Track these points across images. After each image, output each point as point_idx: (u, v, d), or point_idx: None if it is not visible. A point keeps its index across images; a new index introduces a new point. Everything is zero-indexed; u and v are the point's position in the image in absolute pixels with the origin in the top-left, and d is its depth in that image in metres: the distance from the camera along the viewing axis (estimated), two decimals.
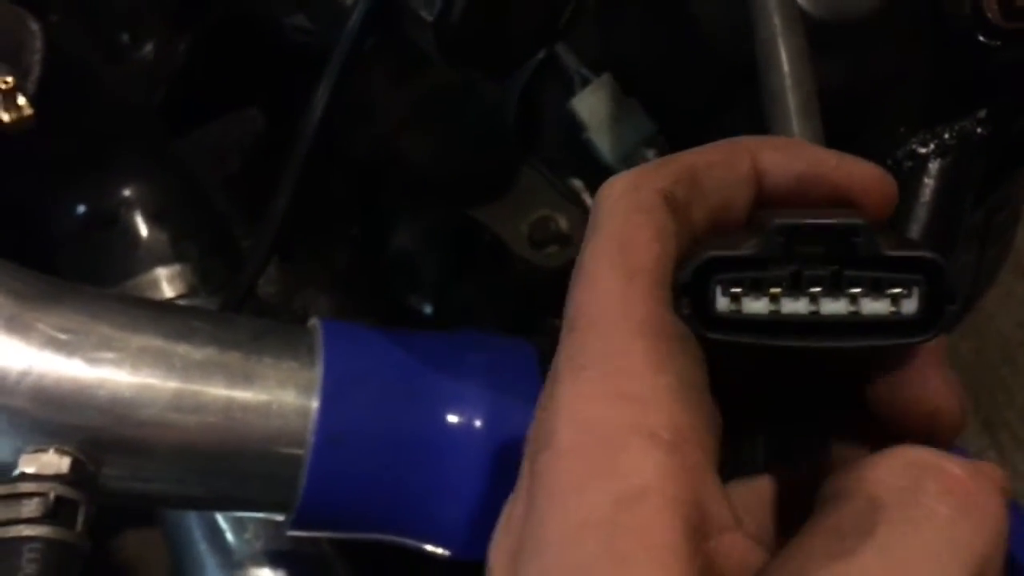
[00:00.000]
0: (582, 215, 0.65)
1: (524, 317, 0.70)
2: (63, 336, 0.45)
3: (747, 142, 0.31)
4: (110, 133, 0.70)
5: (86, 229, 0.68)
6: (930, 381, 0.29)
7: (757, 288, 0.28)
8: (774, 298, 0.28)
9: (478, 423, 0.51)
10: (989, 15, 0.44)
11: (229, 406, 0.47)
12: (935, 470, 0.26)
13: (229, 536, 0.59)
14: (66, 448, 0.44)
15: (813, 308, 0.28)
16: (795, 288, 0.28)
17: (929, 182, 0.48)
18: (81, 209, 0.68)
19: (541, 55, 0.61)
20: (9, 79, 0.56)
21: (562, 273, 0.67)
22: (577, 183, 0.65)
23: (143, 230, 0.68)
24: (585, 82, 0.62)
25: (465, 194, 0.65)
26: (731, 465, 0.30)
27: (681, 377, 0.27)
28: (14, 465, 0.44)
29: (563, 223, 0.65)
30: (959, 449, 0.31)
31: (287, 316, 0.80)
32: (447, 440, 0.51)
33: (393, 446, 0.50)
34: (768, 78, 0.39)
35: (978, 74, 0.47)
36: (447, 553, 0.53)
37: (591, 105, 0.61)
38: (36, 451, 0.44)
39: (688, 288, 0.29)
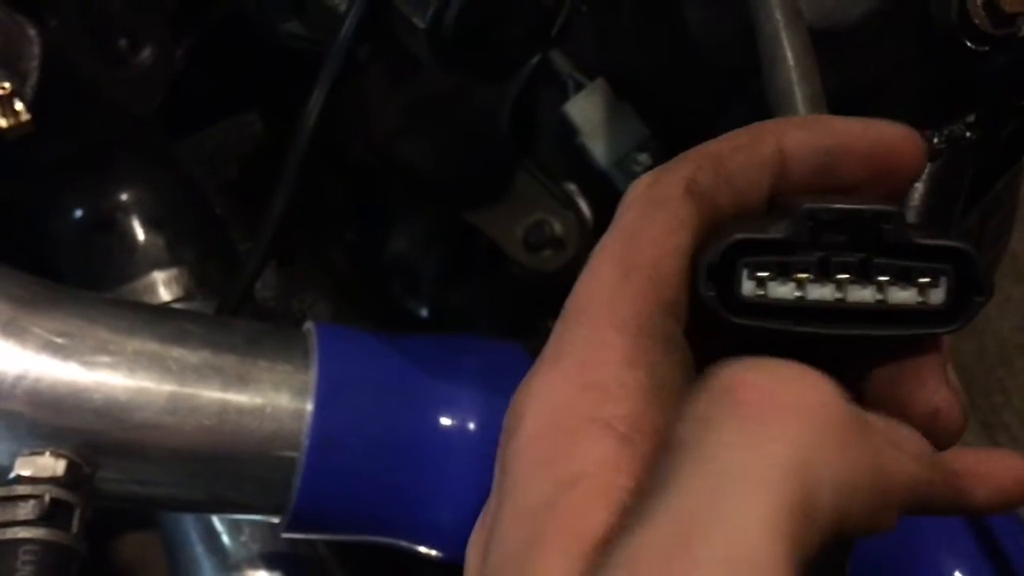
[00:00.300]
0: (577, 219, 0.66)
1: (520, 320, 0.70)
2: (59, 340, 0.46)
3: (770, 124, 0.30)
4: (108, 138, 0.71)
5: (84, 233, 0.68)
6: (930, 381, 0.29)
7: (784, 273, 0.28)
8: (800, 283, 0.28)
9: (472, 426, 0.52)
10: (976, 21, 0.44)
11: (224, 409, 0.47)
12: (728, 387, 0.24)
13: (225, 538, 0.60)
14: (62, 451, 0.44)
15: (839, 295, 0.28)
16: (822, 274, 0.28)
17: (919, 186, 0.49)
18: (79, 213, 0.68)
19: (535, 60, 0.62)
20: (7, 85, 0.57)
21: (557, 276, 0.67)
22: (572, 187, 0.66)
23: (140, 234, 0.68)
24: (579, 87, 0.62)
25: (461, 198, 0.66)
26: None
27: (655, 375, 0.27)
28: (10, 468, 0.44)
29: (558, 227, 0.65)
30: None
31: (285, 320, 0.80)
32: (441, 443, 0.51)
33: (387, 449, 0.51)
34: (773, 74, 0.38)
35: (967, 79, 0.47)
36: (441, 555, 0.53)
37: (584, 110, 0.61)
38: (32, 454, 0.44)
39: (714, 270, 0.28)
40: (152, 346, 0.47)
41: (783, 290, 0.28)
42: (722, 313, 0.28)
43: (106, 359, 0.46)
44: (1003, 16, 0.43)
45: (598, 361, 0.27)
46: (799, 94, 0.40)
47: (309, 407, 0.49)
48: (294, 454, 0.48)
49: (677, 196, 0.28)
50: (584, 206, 0.66)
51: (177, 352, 0.47)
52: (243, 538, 0.59)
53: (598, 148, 0.62)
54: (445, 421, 0.51)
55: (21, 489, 0.43)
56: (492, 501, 0.28)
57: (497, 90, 0.63)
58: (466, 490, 0.51)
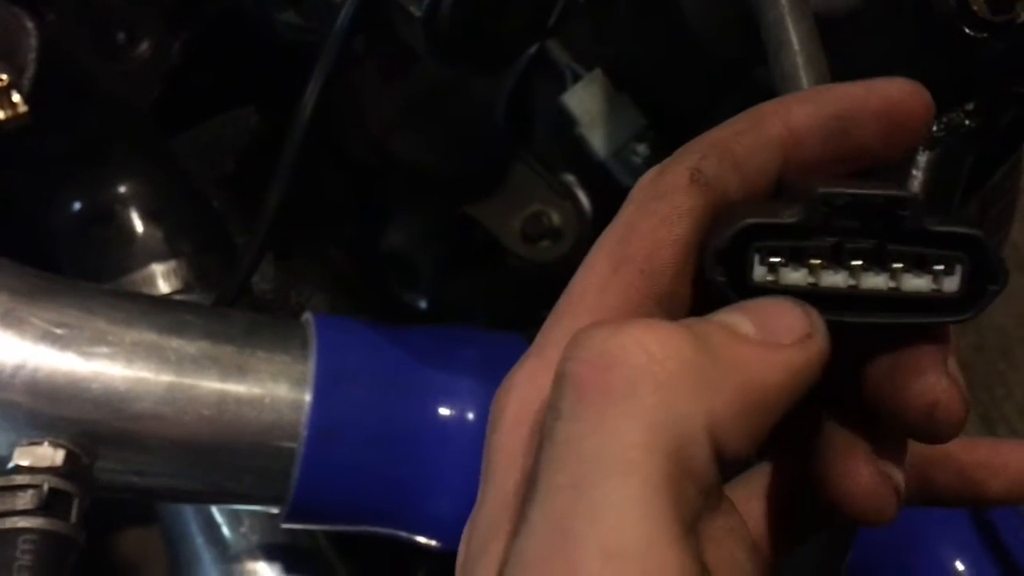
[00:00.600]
0: (574, 210, 0.66)
1: (518, 312, 0.70)
2: (58, 330, 0.46)
3: (773, 104, 0.30)
4: (105, 131, 0.71)
5: (82, 225, 0.68)
6: (930, 372, 0.28)
7: (797, 258, 0.27)
8: (813, 269, 0.27)
9: (470, 416, 0.52)
10: (975, 8, 0.44)
11: (222, 399, 0.47)
12: (563, 373, 0.24)
13: (225, 530, 0.60)
14: (60, 441, 0.44)
15: (852, 282, 0.27)
16: (835, 260, 0.27)
17: (918, 174, 0.48)
18: (77, 206, 0.68)
19: (531, 51, 0.61)
20: (4, 77, 0.57)
21: (555, 267, 0.67)
22: (569, 178, 0.66)
23: (138, 226, 0.68)
24: (576, 78, 0.62)
25: (458, 191, 0.66)
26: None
27: None
28: (8, 458, 0.44)
29: (556, 218, 0.65)
30: None
31: (283, 313, 0.80)
32: (440, 433, 0.51)
33: (385, 439, 0.51)
34: (779, 59, 0.38)
35: (965, 67, 0.47)
36: (439, 545, 0.53)
37: (582, 100, 0.61)
38: (30, 444, 0.44)
39: (724, 255, 0.27)
40: (150, 336, 0.47)
41: (795, 276, 0.27)
42: (732, 298, 0.27)
43: (104, 349, 0.46)
44: (1002, 2, 0.43)
45: None
46: (805, 78, 0.39)
47: (308, 398, 0.49)
48: (293, 445, 0.48)
49: (681, 187, 0.28)
50: (582, 197, 0.66)
51: (175, 343, 0.47)
52: (243, 529, 0.59)
53: (596, 139, 0.61)
54: (444, 411, 0.51)
55: (20, 479, 0.43)
56: (479, 494, 0.28)
57: (493, 82, 0.63)
58: (464, 480, 0.51)
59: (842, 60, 0.48)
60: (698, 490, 0.23)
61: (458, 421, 0.52)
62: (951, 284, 0.27)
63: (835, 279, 0.27)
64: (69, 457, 0.44)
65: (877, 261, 0.27)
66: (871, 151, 0.29)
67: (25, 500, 0.42)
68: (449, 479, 0.51)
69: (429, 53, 0.46)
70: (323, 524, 0.54)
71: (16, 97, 0.57)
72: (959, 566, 0.57)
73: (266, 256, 0.71)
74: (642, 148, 0.61)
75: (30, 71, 0.59)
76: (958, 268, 0.27)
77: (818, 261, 0.27)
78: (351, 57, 0.51)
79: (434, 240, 0.74)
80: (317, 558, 0.61)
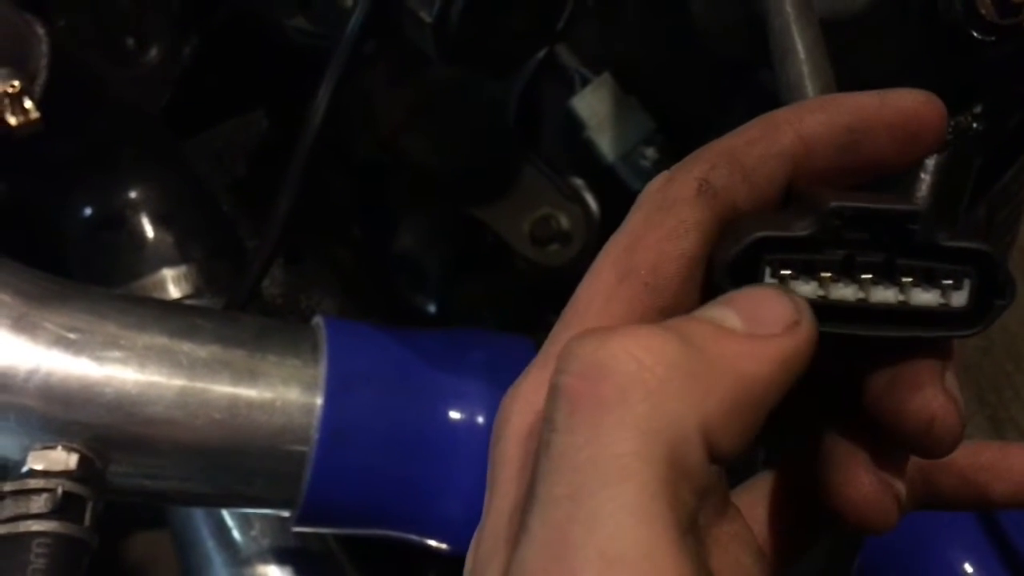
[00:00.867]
0: (583, 213, 0.66)
1: (526, 315, 0.70)
2: (70, 335, 0.46)
3: (784, 113, 0.29)
4: (116, 136, 0.71)
5: (93, 231, 0.68)
6: (927, 387, 0.28)
7: (807, 271, 0.27)
8: (823, 282, 0.27)
9: (480, 419, 0.52)
10: (983, 11, 0.44)
11: (234, 403, 0.48)
12: (555, 385, 0.24)
13: (236, 533, 0.60)
14: (74, 445, 0.45)
15: (862, 295, 0.27)
16: (845, 273, 0.27)
17: (926, 177, 0.48)
18: (88, 211, 0.68)
19: (541, 55, 0.62)
20: (16, 83, 0.57)
21: (563, 271, 0.67)
22: (578, 181, 0.66)
23: (149, 231, 0.68)
24: (585, 81, 0.62)
25: (467, 194, 0.66)
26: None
27: None
28: (22, 462, 0.45)
29: (564, 221, 0.65)
30: None
31: (293, 317, 0.80)
32: (450, 436, 0.52)
33: (396, 442, 0.51)
34: (784, 67, 0.38)
35: (973, 70, 0.47)
36: (449, 549, 0.54)
37: (591, 104, 0.62)
38: (44, 448, 0.44)
39: (735, 267, 0.27)
40: (162, 341, 0.48)
41: (806, 289, 0.27)
42: None
43: (117, 354, 0.46)
44: (1010, 6, 0.43)
45: None
46: (810, 86, 0.39)
47: (319, 401, 0.49)
48: (304, 448, 0.49)
49: (688, 198, 0.28)
50: (591, 200, 0.66)
51: (187, 347, 0.48)
52: (254, 533, 0.60)
53: (605, 142, 0.62)
54: (453, 414, 0.52)
55: (34, 483, 0.43)
56: (484, 503, 0.28)
57: (503, 85, 0.63)
58: (474, 483, 0.51)
59: (849, 64, 0.48)
60: (694, 492, 0.23)
61: (468, 424, 0.52)
62: (959, 299, 0.28)
63: (845, 292, 0.27)
64: (82, 461, 0.44)
65: (887, 275, 0.27)
66: (883, 162, 0.29)
67: (39, 504, 0.43)
68: (459, 482, 0.51)
69: (439, 57, 0.46)
70: (334, 527, 0.54)
71: (28, 103, 0.57)
72: (967, 568, 0.57)
73: (276, 261, 0.71)
74: (651, 152, 0.61)
75: (41, 77, 0.60)
76: (966, 283, 0.27)
77: (828, 274, 0.27)
78: (361, 61, 0.51)
79: (442, 243, 0.74)
80: (327, 561, 0.61)
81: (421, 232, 0.74)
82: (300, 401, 0.49)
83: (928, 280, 0.27)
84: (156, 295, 0.66)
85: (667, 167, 0.30)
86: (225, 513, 0.60)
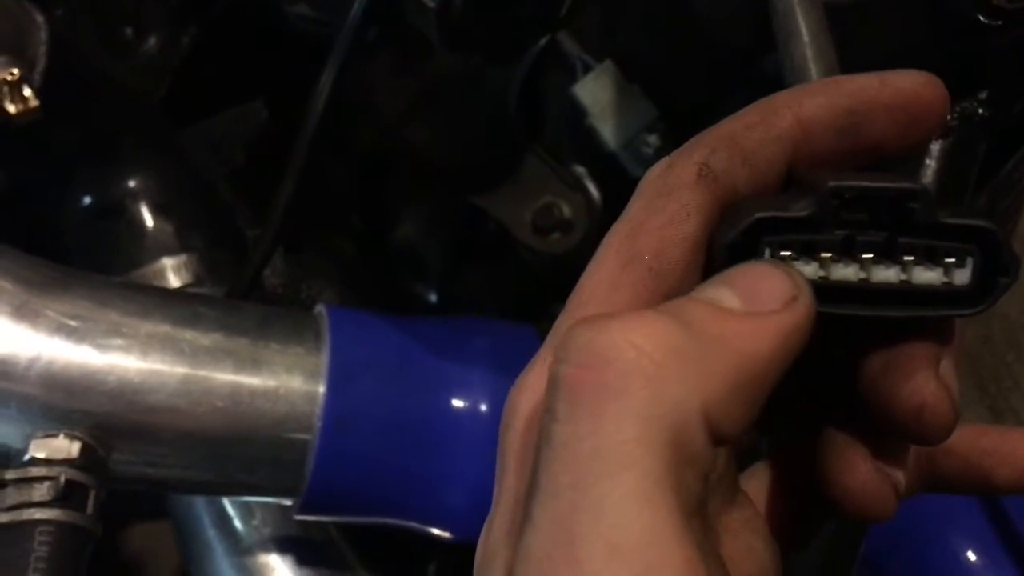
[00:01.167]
0: (585, 202, 0.65)
1: (528, 303, 0.70)
2: (72, 323, 0.46)
3: (784, 96, 0.29)
4: (115, 125, 0.71)
5: (93, 219, 0.68)
6: (919, 374, 0.27)
7: (807, 252, 0.27)
8: (824, 263, 0.27)
9: (483, 407, 0.52)
10: None
11: (237, 391, 0.48)
12: (554, 376, 0.24)
13: (237, 522, 0.60)
14: (76, 433, 0.45)
15: (863, 275, 0.27)
16: (846, 253, 0.27)
17: (931, 163, 0.48)
18: (88, 200, 0.68)
19: (543, 42, 0.61)
20: (15, 71, 0.57)
21: (565, 259, 0.67)
22: (580, 169, 0.65)
23: (149, 221, 0.68)
24: (587, 69, 0.62)
25: (468, 182, 0.66)
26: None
27: None
28: (24, 450, 0.44)
29: (566, 210, 0.65)
30: None
31: (294, 307, 0.80)
32: (452, 424, 0.52)
33: (399, 430, 0.51)
34: (788, 50, 0.38)
35: (979, 55, 0.47)
36: (451, 537, 0.53)
37: (593, 91, 0.61)
38: (46, 436, 0.44)
39: (734, 249, 0.27)
40: (165, 328, 0.47)
41: (806, 270, 0.27)
42: None
43: (119, 341, 0.46)
44: None
45: None
46: (814, 70, 0.39)
47: (321, 389, 0.49)
48: (307, 436, 0.48)
49: (688, 183, 0.28)
50: (593, 188, 0.65)
51: (190, 334, 0.48)
52: (255, 522, 0.60)
53: (607, 130, 0.61)
54: (457, 402, 0.52)
55: (36, 471, 0.43)
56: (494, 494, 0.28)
57: (505, 73, 0.63)
58: (477, 472, 0.51)
59: (854, 48, 0.48)
60: (698, 476, 0.23)
61: (471, 412, 0.52)
62: (962, 277, 0.27)
63: (846, 272, 0.27)
64: (85, 449, 0.44)
65: (888, 254, 0.27)
66: (884, 144, 0.29)
67: (42, 492, 0.42)
68: (462, 470, 0.51)
69: (442, 44, 0.46)
70: (336, 515, 0.54)
71: (27, 91, 0.57)
72: (971, 556, 0.57)
73: (276, 250, 0.71)
74: (653, 139, 0.61)
75: (41, 65, 0.59)
76: (969, 261, 0.27)
77: (828, 254, 0.27)
78: (363, 49, 0.51)
79: (443, 232, 0.74)
80: (329, 550, 0.61)
81: (422, 221, 0.74)
82: (303, 389, 0.49)
83: (930, 258, 0.27)
84: (156, 284, 0.66)
85: (669, 154, 0.30)
86: (226, 502, 0.60)
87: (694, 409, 0.23)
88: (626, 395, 0.23)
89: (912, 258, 0.27)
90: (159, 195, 0.69)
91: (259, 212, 0.78)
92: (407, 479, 0.51)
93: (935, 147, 0.49)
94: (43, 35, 0.60)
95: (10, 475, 0.43)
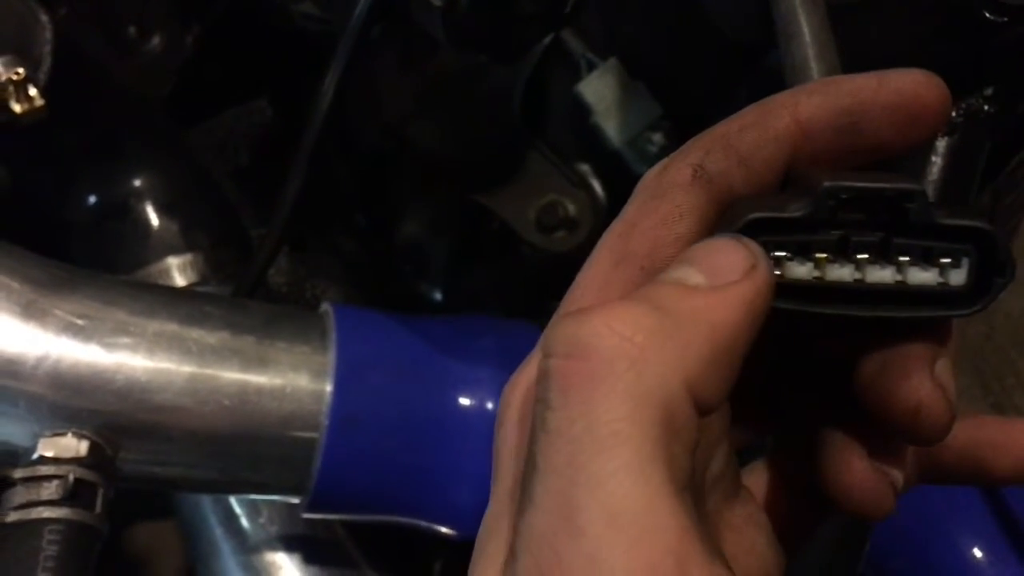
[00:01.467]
0: (589, 200, 0.65)
1: (532, 301, 0.70)
2: (80, 322, 0.46)
3: (782, 97, 0.29)
4: (120, 124, 0.71)
5: (98, 219, 0.68)
6: (915, 375, 0.28)
7: (802, 252, 0.27)
8: (819, 263, 0.27)
9: (489, 405, 0.52)
10: None
11: (244, 390, 0.48)
12: (543, 369, 0.25)
13: (244, 521, 0.60)
14: (84, 432, 0.45)
15: (858, 275, 0.27)
16: (841, 254, 0.27)
17: (936, 160, 0.48)
18: (93, 199, 0.68)
19: (547, 41, 0.61)
20: (20, 70, 0.57)
21: (570, 257, 0.67)
22: (584, 167, 0.65)
23: (154, 220, 0.68)
24: (591, 67, 0.62)
25: (473, 180, 0.66)
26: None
27: None
28: (32, 449, 0.44)
29: (571, 208, 0.65)
30: None
31: (298, 306, 0.80)
32: (459, 422, 0.52)
33: (406, 428, 0.51)
34: (790, 49, 0.38)
35: (984, 51, 0.47)
36: (458, 534, 0.54)
37: (597, 89, 0.61)
38: (54, 435, 0.44)
39: None
40: (172, 327, 0.47)
41: (801, 270, 0.27)
42: None
43: (126, 340, 0.46)
44: None
45: None
46: (816, 70, 0.39)
47: (328, 388, 0.49)
48: (314, 434, 0.49)
49: (682, 184, 0.28)
50: (597, 186, 0.65)
51: (196, 333, 0.48)
52: (261, 520, 0.60)
53: (611, 128, 0.61)
54: (463, 401, 0.52)
55: (44, 469, 0.43)
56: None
57: (510, 71, 0.63)
58: (484, 470, 0.51)
59: (859, 44, 0.48)
60: (685, 448, 0.24)
61: (477, 410, 0.52)
62: (958, 277, 0.27)
63: (841, 272, 0.27)
64: (93, 448, 0.44)
65: (883, 254, 0.27)
66: (884, 144, 0.29)
67: (50, 491, 0.42)
68: (469, 468, 0.51)
69: (448, 42, 0.46)
70: (343, 513, 0.54)
71: (32, 90, 0.57)
72: (976, 553, 0.57)
73: (281, 249, 0.71)
74: (658, 137, 0.61)
75: (46, 64, 0.59)
76: (965, 261, 0.27)
77: (824, 255, 0.27)
78: (368, 47, 0.51)
79: (447, 230, 0.74)
80: (335, 548, 0.61)
81: (426, 219, 0.74)
82: (310, 388, 0.49)
83: (926, 259, 0.27)
84: (161, 283, 0.66)
85: (664, 157, 0.30)
86: (233, 500, 0.60)
87: (677, 383, 0.24)
88: (612, 378, 0.24)
89: (908, 259, 0.27)
90: (164, 194, 0.69)
91: (263, 211, 0.78)
92: (414, 477, 0.51)
93: (940, 144, 0.49)
94: (48, 34, 0.60)
95: (19, 474, 0.43)
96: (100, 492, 0.44)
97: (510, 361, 0.53)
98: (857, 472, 0.29)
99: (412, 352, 0.52)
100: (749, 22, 0.51)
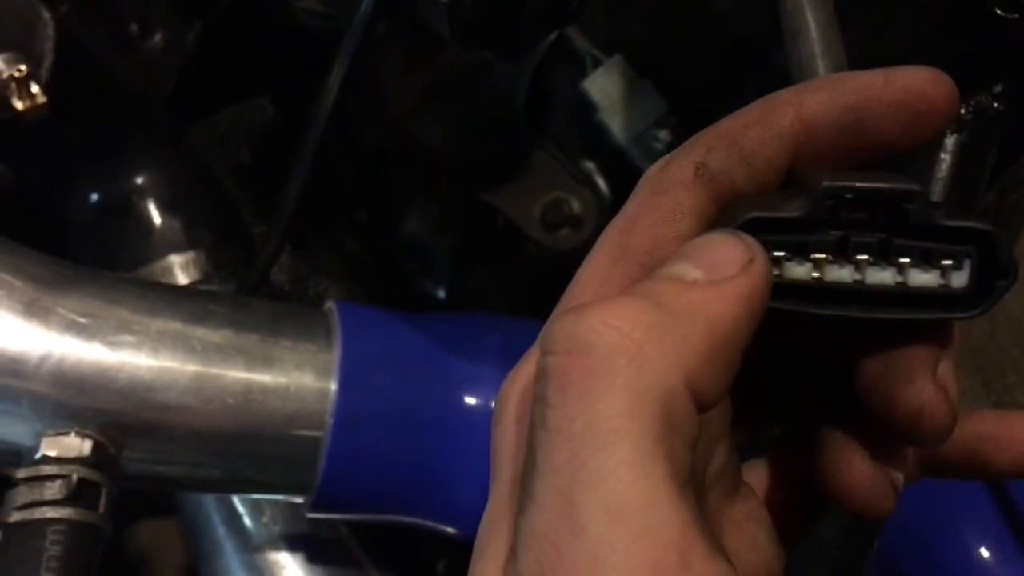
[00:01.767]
0: (594, 197, 0.65)
1: (537, 299, 0.70)
2: (83, 320, 0.46)
3: (786, 94, 0.29)
4: (122, 122, 0.70)
5: (100, 216, 0.68)
6: (917, 378, 0.27)
7: (801, 252, 0.27)
8: (818, 264, 0.27)
9: (494, 404, 0.52)
10: None
11: (248, 389, 0.47)
12: (541, 367, 0.25)
13: (247, 520, 0.59)
14: (87, 431, 0.44)
15: (858, 276, 0.27)
16: (840, 254, 0.27)
17: (945, 157, 0.48)
18: (95, 197, 0.68)
19: (552, 38, 0.61)
20: (22, 67, 0.57)
21: (575, 255, 0.67)
22: (589, 165, 0.65)
23: (156, 217, 0.68)
24: (596, 64, 0.62)
25: (477, 177, 0.66)
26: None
27: None
28: (35, 448, 0.44)
29: (576, 205, 0.65)
30: None
31: (301, 303, 0.80)
32: (463, 420, 0.51)
33: (411, 427, 0.50)
34: (796, 46, 0.38)
35: (995, 48, 0.47)
36: (463, 534, 0.53)
37: (603, 87, 0.61)
38: (58, 434, 0.44)
39: None
40: (175, 326, 0.47)
41: (800, 271, 0.27)
42: None
43: (130, 339, 0.46)
44: None
45: None
46: (822, 66, 0.39)
47: (333, 386, 0.49)
48: (319, 433, 0.48)
49: (684, 181, 0.28)
50: (602, 184, 0.65)
51: (200, 332, 0.47)
52: (265, 519, 0.59)
53: (616, 125, 0.61)
54: (468, 399, 0.51)
55: (48, 469, 0.43)
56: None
57: (514, 68, 0.63)
58: (489, 468, 0.51)
59: (869, 39, 0.47)
60: (685, 444, 0.24)
61: (483, 409, 0.51)
62: (959, 279, 0.27)
63: (840, 273, 0.27)
64: (96, 447, 0.44)
65: (883, 256, 0.27)
66: (889, 142, 0.29)
67: (54, 490, 0.42)
68: (474, 467, 0.51)
69: (454, 39, 0.46)
70: (348, 513, 0.54)
71: (35, 88, 0.57)
72: (984, 552, 0.57)
73: (285, 247, 0.71)
74: (663, 134, 0.61)
75: (48, 61, 0.59)
76: (967, 263, 0.27)
77: (823, 255, 0.27)
78: (373, 44, 0.50)
79: (451, 228, 0.74)
80: (339, 547, 0.61)
81: (430, 217, 0.74)
82: (314, 386, 0.49)
83: (926, 261, 0.27)
84: (164, 281, 0.66)
85: (666, 154, 0.30)
86: (236, 499, 0.60)
87: (676, 379, 0.24)
88: (612, 374, 0.24)
89: (908, 260, 0.27)
90: (167, 192, 0.69)
91: (264, 208, 0.78)
92: (419, 476, 0.51)
93: (949, 141, 0.49)
94: (50, 31, 0.60)
95: (22, 474, 0.43)
96: (104, 492, 0.43)
97: (515, 360, 0.53)
98: (858, 471, 0.29)
99: (417, 350, 0.52)
100: (755, 17, 0.51)
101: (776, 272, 0.27)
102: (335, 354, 0.49)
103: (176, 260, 0.67)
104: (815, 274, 0.27)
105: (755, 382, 0.30)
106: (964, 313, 0.27)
